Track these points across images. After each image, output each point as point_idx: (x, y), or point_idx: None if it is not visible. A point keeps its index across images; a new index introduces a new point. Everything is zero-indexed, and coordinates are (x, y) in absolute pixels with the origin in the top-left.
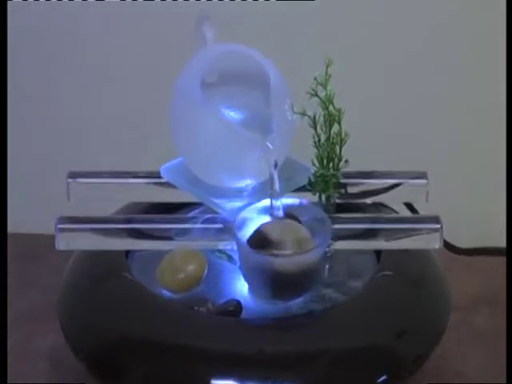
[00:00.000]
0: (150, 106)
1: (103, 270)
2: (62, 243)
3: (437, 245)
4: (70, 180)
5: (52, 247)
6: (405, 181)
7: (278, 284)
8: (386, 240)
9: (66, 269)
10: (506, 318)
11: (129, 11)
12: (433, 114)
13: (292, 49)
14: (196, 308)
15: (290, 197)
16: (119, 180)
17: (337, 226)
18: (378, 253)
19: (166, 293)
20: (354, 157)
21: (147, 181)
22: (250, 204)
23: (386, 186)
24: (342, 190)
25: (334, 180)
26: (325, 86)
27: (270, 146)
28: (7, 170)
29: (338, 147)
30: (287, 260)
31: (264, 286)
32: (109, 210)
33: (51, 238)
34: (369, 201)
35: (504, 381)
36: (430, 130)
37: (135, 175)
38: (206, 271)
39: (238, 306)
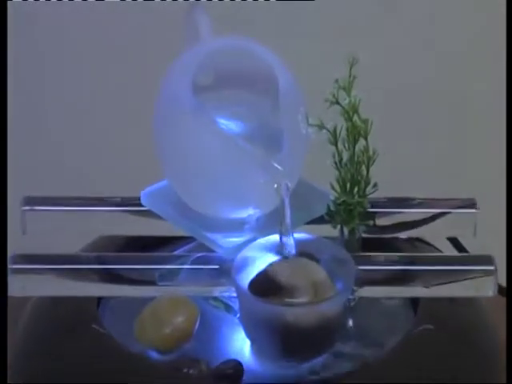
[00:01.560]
0: (128, 113)
1: (69, 322)
2: (17, 288)
3: (490, 292)
4: (25, 208)
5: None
6: (448, 210)
7: (289, 341)
8: (425, 286)
9: (22, 319)
10: (506, 317)
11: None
12: (482, 124)
13: (306, 46)
14: (186, 370)
15: (304, 231)
16: (87, 208)
17: (363, 268)
18: (415, 302)
19: (147, 351)
20: (383, 180)
21: (123, 209)
22: (253, 240)
23: (425, 216)
24: (370, 222)
25: (360, 209)
26: (348, 92)
27: (278, 167)
28: None
29: (364, 168)
30: (301, 310)
31: (271, 344)
32: (75, 245)
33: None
34: (403, 235)
35: None
36: (477, 146)
37: (108, 202)
38: (197, 324)
39: (238, 368)
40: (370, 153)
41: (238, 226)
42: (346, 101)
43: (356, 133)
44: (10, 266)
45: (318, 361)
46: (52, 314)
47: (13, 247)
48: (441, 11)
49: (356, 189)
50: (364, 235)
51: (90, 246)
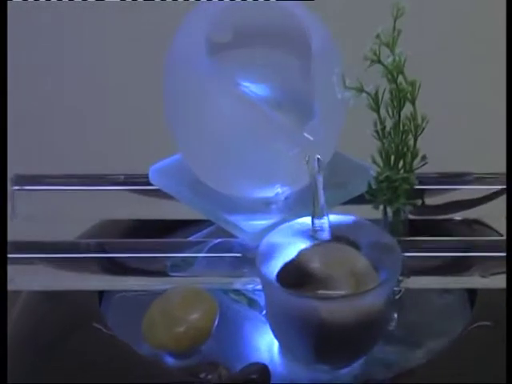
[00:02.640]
0: (134, 79)
1: (67, 320)
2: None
3: None
4: (14, 188)
5: None
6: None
7: (324, 341)
8: (483, 275)
9: (11, 317)
10: (506, 317)
11: None
12: None
13: None
14: (203, 376)
15: (341, 212)
16: (87, 187)
17: (410, 255)
18: (472, 293)
19: (158, 354)
20: (434, 153)
21: (128, 188)
22: (280, 223)
23: (483, 194)
24: (418, 201)
25: (406, 186)
26: (392, 48)
27: (310, 137)
28: None
29: (411, 137)
30: (338, 304)
31: (303, 344)
32: (73, 231)
33: None
34: (458, 217)
35: None
36: None
37: (110, 180)
38: (216, 321)
39: (263, 372)
40: (419, 120)
41: (263, 207)
42: (390, 59)
43: (401, 96)
44: None
45: (357, 365)
46: (46, 312)
47: None
48: None
49: (401, 162)
50: (411, 217)
51: (90, 231)
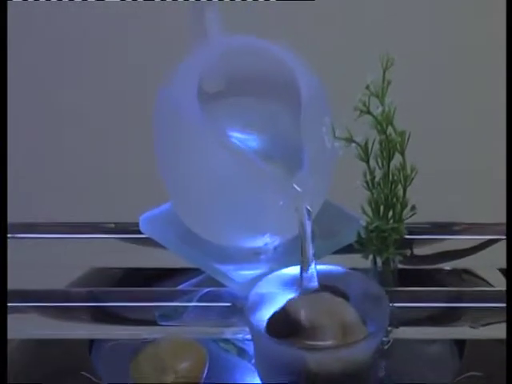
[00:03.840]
0: (125, 124)
1: (56, 369)
2: None
3: None
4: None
5: None
6: (499, 237)
7: None
8: (473, 326)
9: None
10: (506, 317)
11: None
12: None
13: (330, 44)
14: None
15: (329, 262)
16: (77, 235)
17: (399, 305)
18: (461, 344)
19: None
20: (423, 203)
21: (118, 236)
22: (269, 272)
23: (472, 244)
24: (407, 251)
25: (396, 236)
26: (381, 99)
27: (298, 188)
28: None
29: (400, 188)
30: (327, 355)
31: None
32: (64, 279)
33: None
34: (447, 267)
35: None
36: None
37: (101, 228)
38: (206, 371)
39: None
40: (408, 171)
41: (252, 257)
42: (379, 110)
43: (391, 147)
44: None
45: None
46: (36, 360)
47: None
48: None
49: (391, 212)
50: (400, 266)
51: (80, 279)
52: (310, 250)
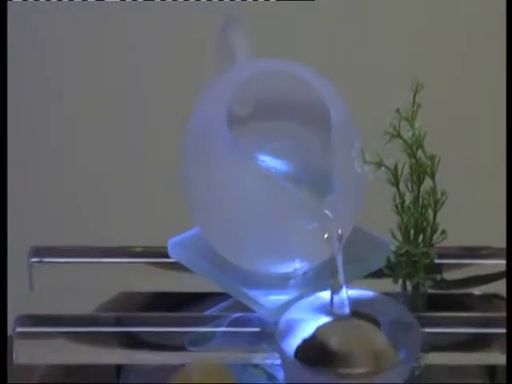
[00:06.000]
0: (153, 151)
1: None
2: (23, 354)
3: None
4: (33, 260)
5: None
6: None
7: None
8: (504, 352)
9: None
10: (506, 317)
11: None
12: None
13: (359, 68)
14: None
15: (360, 287)
16: (105, 259)
17: (430, 330)
18: (492, 370)
19: None
20: (453, 227)
21: (147, 260)
22: (299, 298)
23: (503, 269)
24: (438, 276)
25: (426, 260)
26: (412, 123)
27: (329, 213)
28: None
29: (430, 212)
30: (358, 383)
31: None
32: (91, 304)
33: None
34: (477, 291)
35: None
36: None
37: (129, 253)
38: None
39: None
40: (438, 195)
41: (282, 282)
42: (409, 133)
43: (421, 171)
44: (15, 329)
45: None
46: None
47: (18, 306)
48: None
49: (421, 237)
50: (430, 291)
51: (107, 304)
52: (342, 275)
